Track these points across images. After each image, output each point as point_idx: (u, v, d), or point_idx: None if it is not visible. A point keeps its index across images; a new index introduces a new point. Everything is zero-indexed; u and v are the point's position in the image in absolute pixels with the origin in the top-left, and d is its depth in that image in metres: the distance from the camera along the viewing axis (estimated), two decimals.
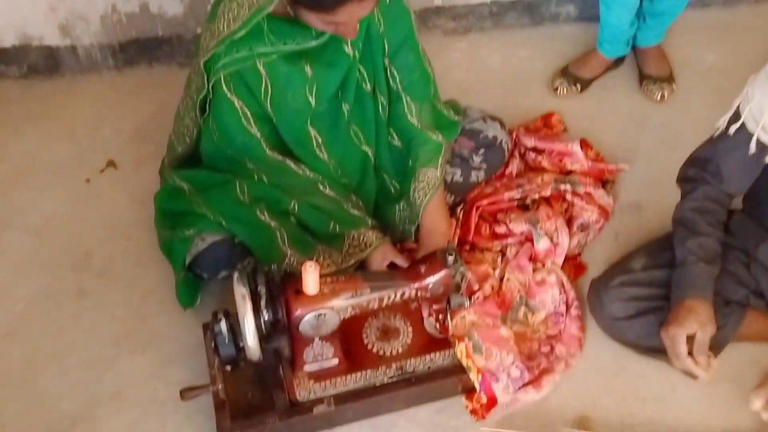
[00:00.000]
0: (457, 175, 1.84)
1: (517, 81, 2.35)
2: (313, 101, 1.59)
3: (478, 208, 1.90)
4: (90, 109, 2.25)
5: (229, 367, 1.46)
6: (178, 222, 1.66)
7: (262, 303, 1.41)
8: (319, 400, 1.53)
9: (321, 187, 1.69)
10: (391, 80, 1.66)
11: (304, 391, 1.53)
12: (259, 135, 1.60)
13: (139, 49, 2.32)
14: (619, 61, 2.34)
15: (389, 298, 1.48)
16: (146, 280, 1.83)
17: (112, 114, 2.23)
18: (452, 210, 1.90)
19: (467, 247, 1.86)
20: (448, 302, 1.54)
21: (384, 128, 1.72)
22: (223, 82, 1.53)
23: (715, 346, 1.62)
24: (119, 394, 1.64)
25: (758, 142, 1.50)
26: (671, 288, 1.57)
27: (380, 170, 1.80)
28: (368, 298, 1.46)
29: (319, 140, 1.66)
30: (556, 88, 2.28)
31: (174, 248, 1.66)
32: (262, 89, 1.55)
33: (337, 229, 1.67)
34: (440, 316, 1.61)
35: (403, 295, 1.49)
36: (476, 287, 1.71)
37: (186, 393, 1.49)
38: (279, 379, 1.55)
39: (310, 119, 1.63)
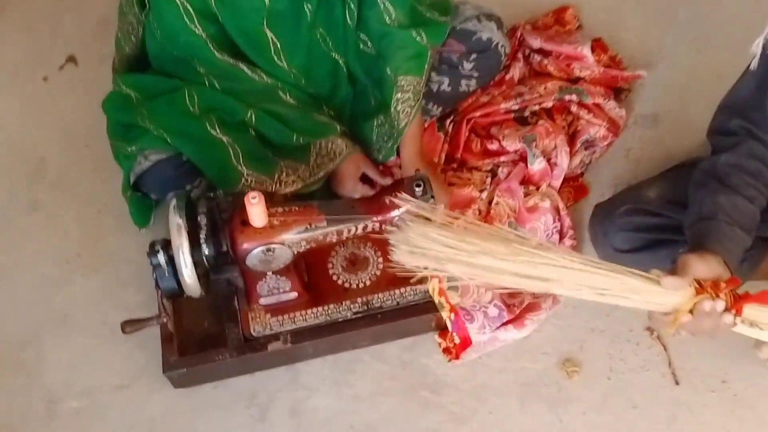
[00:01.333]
0: (444, 84, 1.61)
1: None
2: None
3: (469, 120, 1.68)
4: None
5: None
6: (125, 135, 1.49)
7: (202, 235, 1.25)
8: (275, 336, 1.40)
9: (281, 94, 1.49)
10: None
11: (258, 326, 1.41)
12: (204, 35, 1.39)
13: None
14: None
15: (349, 231, 1.31)
16: (103, 193, 1.69)
17: (74, 2, 2.01)
18: (441, 122, 1.69)
19: (455, 165, 1.67)
20: None
21: (352, 34, 1.49)
22: None
23: None
24: (68, 317, 1.54)
25: None
26: (689, 239, 1.26)
27: (357, 79, 1.58)
28: (324, 231, 1.29)
29: (278, 45, 1.44)
30: None
31: (120, 164, 1.50)
32: None
33: (302, 140, 1.48)
34: None
35: (365, 228, 1.32)
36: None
37: (127, 326, 1.38)
38: (234, 311, 1.42)
39: (267, 20, 1.40)
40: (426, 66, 1.51)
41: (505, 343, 1.48)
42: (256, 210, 1.22)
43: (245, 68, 1.44)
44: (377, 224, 1.32)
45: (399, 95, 1.51)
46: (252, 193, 1.21)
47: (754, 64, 1.27)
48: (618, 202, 1.48)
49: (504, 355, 1.48)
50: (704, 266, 1.09)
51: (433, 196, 1.30)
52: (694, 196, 1.31)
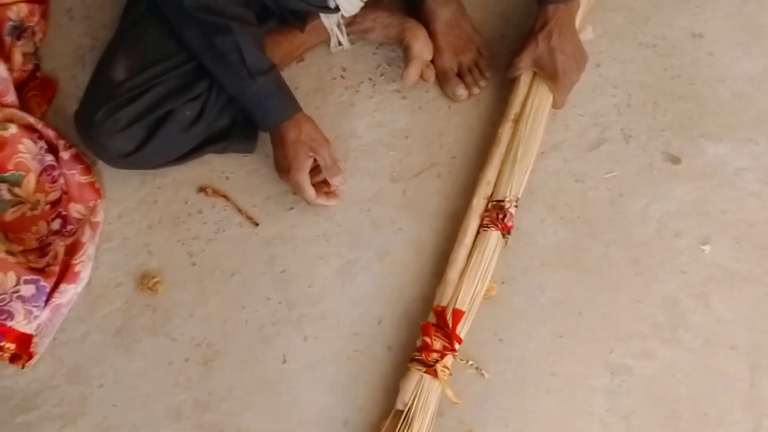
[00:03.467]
0: None
1: None
2: None
3: None
4: None
5: None
6: None
7: None
8: None
9: None
10: None
11: None
12: None
13: None
14: None
15: None
16: None
17: None
18: None
19: None
20: None
21: None
22: None
23: None
24: None
25: None
26: (246, 113, 1.25)
27: None
28: None
29: None
30: None
31: None
32: None
33: None
34: None
35: None
36: None
37: None
38: None
39: None
40: None
41: (72, 302, 1.23)
42: None
43: None
44: None
45: None
46: None
47: None
48: (94, 104, 1.21)
49: (75, 318, 1.23)
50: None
51: None
52: (209, 42, 1.18)
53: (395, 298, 1.29)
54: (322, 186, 1.27)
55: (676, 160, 1.43)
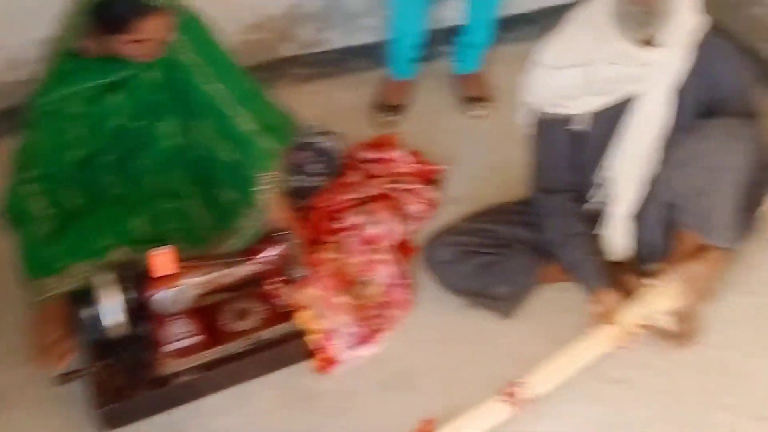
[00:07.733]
0: (305, 182, 2.19)
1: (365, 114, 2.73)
2: None
3: (319, 209, 2.23)
4: None
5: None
6: None
7: (124, 285, 1.68)
8: (182, 373, 1.80)
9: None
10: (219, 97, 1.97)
11: (168, 366, 1.80)
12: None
13: None
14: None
15: (238, 274, 1.80)
16: None
17: None
18: (300, 211, 2.21)
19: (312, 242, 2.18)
20: (290, 274, 1.88)
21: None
22: None
23: None
24: None
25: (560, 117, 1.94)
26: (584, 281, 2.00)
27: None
28: (218, 275, 1.77)
29: None
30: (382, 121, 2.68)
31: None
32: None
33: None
34: (286, 287, 1.93)
35: (251, 269, 1.82)
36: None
37: (62, 379, 1.74)
38: (145, 358, 1.80)
39: None
40: (276, 162, 2.05)
41: (365, 357, 1.94)
42: (158, 261, 1.68)
43: None
44: (259, 265, 1.83)
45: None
46: (153, 250, 1.69)
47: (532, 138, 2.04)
48: (439, 231, 2.13)
49: (370, 366, 1.96)
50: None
51: (296, 239, 1.86)
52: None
53: None
54: None
55: None
